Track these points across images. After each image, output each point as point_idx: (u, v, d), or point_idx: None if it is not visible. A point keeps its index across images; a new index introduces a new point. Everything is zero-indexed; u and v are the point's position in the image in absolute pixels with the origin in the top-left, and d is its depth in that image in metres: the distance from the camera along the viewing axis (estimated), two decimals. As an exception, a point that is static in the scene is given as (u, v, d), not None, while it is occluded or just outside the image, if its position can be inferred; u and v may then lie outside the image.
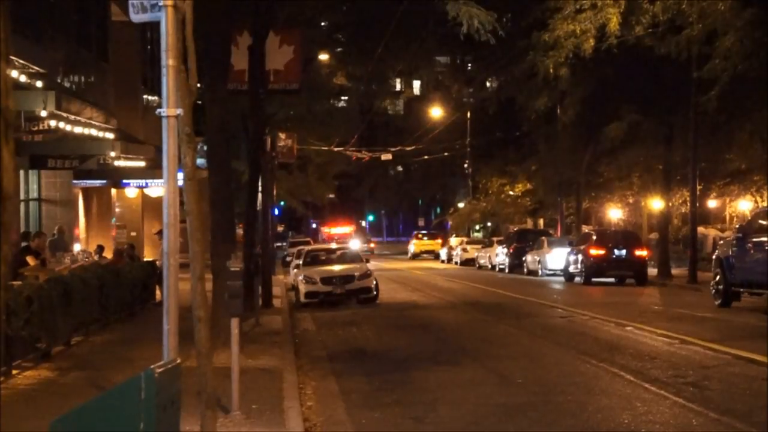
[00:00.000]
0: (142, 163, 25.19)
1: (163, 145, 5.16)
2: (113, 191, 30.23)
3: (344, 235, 73.21)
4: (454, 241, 59.14)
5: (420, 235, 66.38)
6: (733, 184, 30.18)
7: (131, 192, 30.59)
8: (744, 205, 34.11)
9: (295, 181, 48.38)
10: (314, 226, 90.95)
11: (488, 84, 54.61)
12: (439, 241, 63.41)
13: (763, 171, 27.79)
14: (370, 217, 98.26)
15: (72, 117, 18.74)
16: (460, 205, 64.49)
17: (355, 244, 59.91)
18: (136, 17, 5.89)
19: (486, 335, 17.52)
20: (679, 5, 26.29)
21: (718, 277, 21.84)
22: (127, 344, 14.99)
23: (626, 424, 9.33)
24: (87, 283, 15.42)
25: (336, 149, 49.37)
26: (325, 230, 79.01)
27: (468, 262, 51.38)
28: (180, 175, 8.88)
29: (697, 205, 31.98)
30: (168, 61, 5.38)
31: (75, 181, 25.15)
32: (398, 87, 75.14)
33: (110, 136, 21.26)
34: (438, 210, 76.76)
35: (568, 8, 27.67)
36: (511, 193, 54.65)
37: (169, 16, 5.50)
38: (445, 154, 60.41)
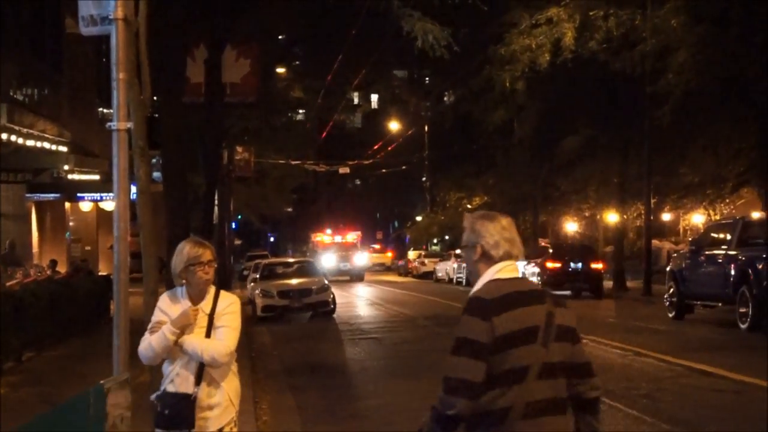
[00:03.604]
0: (96, 177, 24.99)
1: (114, 158, 5.11)
2: (67, 205, 29.93)
3: (348, 245, 55.89)
4: (411, 254, 59.30)
5: (371, 249, 66.96)
6: (686, 198, 30.55)
7: (86, 206, 30.31)
8: (697, 219, 34.54)
9: (252, 194, 48.19)
10: (271, 239, 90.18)
11: (446, 98, 54.88)
12: (390, 254, 63.77)
13: (716, 185, 28.16)
14: (328, 231, 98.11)
15: (25, 130, 18.56)
16: (418, 218, 64.65)
17: (362, 258, 54.89)
18: (86, 30, 5.83)
19: (443, 347, 17.34)
20: (632, 21, 26.69)
21: (671, 290, 22.04)
22: (81, 360, 14.82)
23: (580, 436, 9.38)
24: (39, 297, 15.23)
25: (293, 162, 49.31)
26: (319, 238, 58.88)
27: (426, 275, 51.53)
28: (134, 189, 8.82)
29: (652, 218, 32.28)
30: (119, 74, 5.35)
31: (28, 195, 24.88)
32: (356, 101, 75.25)
33: (64, 149, 21.07)
34: (396, 223, 76.78)
35: (524, 23, 28.01)
36: (468, 206, 54.83)
37: (119, 30, 5.48)
38: (403, 167, 60.57)
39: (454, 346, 3.82)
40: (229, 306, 5.39)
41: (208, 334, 5.29)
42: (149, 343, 5.30)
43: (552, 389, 3.83)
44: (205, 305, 5.36)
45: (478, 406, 3.77)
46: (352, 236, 57.66)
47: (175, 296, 5.42)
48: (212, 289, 5.41)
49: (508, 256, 3.99)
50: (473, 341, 3.77)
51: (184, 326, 5.27)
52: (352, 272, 51.07)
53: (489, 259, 4.00)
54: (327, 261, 50.68)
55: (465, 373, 3.75)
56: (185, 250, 5.38)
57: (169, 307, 5.37)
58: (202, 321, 5.32)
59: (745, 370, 12.94)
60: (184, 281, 5.38)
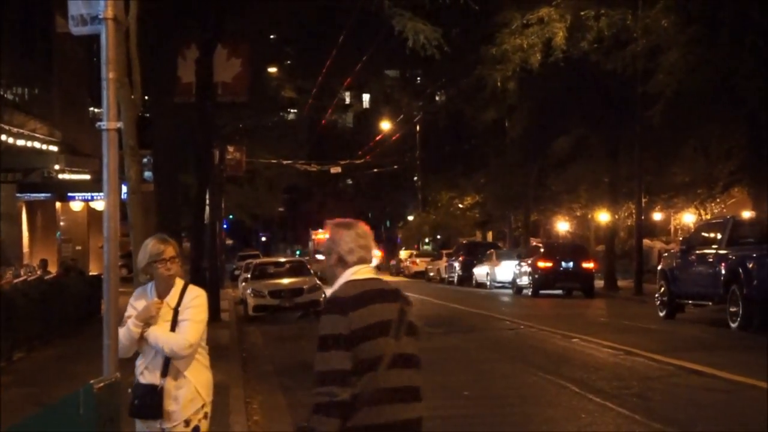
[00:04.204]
0: (87, 176, 24.96)
1: (103, 158, 5.12)
2: (58, 205, 29.88)
3: None
4: (403, 253, 59.37)
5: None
6: (677, 198, 30.68)
7: (76, 205, 30.27)
8: (688, 218, 34.66)
9: (244, 194, 48.17)
10: (263, 239, 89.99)
11: (437, 98, 54.96)
12: (380, 253, 63.75)
13: (706, 184, 28.25)
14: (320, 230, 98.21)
15: (15, 130, 18.54)
16: (410, 218, 64.69)
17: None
18: (76, 30, 5.74)
19: (433, 348, 17.47)
20: (623, 21, 26.77)
21: (662, 289, 22.12)
22: (71, 360, 14.79)
23: (571, 435, 9.43)
24: (30, 298, 15.20)
25: (285, 162, 49.29)
26: (321, 236, 54.07)
27: (417, 275, 51.58)
28: (124, 188, 8.82)
29: (643, 217, 32.37)
30: (108, 74, 5.29)
31: (18, 195, 24.84)
32: (348, 100, 75.24)
33: (54, 149, 21.06)
34: (388, 223, 76.84)
35: (516, 23, 28.06)
36: (460, 206, 54.97)
37: (109, 29, 5.39)
38: (395, 167, 60.62)
39: (320, 344, 4.15)
40: (194, 300, 5.55)
41: (173, 328, 5.48)
42: (119, 337, 5.55)
43: (403, 378, 4.21)
44: (171, 299, 5.55)
45: None
46: None
47: (144, 291, 5.64)
48: (180, 284, 5.60)
49: (362, 261, 4.36)
50: (337, 335, 4.10)
51: (147, 319, 5.47)
52: None
53: (345, 264, 4.35)
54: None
55: (336, 363, 4.08)
56: (148, 246, 5.59)
57: (137, 302, 5.59)
58: (168, 314, 5.51)
59: (736, 369, 12.98)
60: (148, 276, 5.59)
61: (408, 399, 4.22)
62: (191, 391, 5.51)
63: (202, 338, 5.59)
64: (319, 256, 46.73)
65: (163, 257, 5.50)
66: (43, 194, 26.91)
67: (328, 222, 4.52)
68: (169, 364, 5.46)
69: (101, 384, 4.78)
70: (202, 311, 5.54)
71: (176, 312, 5.50)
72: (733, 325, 18.46)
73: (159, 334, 5.45)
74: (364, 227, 4.45)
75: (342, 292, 4.24)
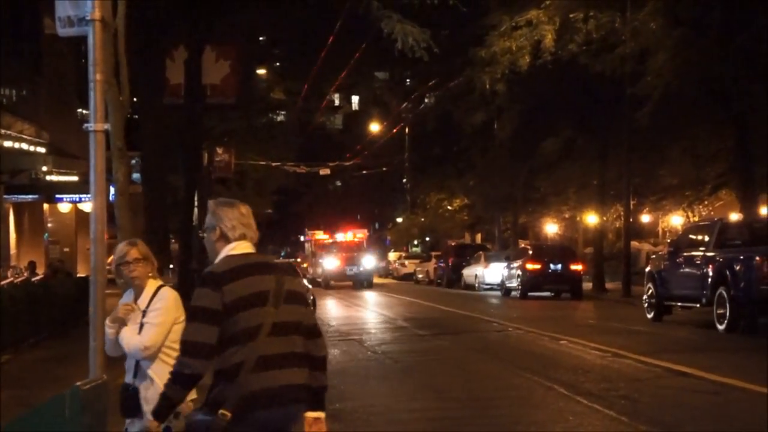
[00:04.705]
0: (75, 178, 24.90)
1: (90, 159, 5.12)
2: (46, 206, 29.80)
3: (353, 245, 46.91)
4: (392, 255, 59.38)
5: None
6: (665, 200, 30.81)
7: (64, 207, 30.21)
8: (676, 220, 34.79)
9: (232, 195, 48.03)
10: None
11: (426, 100, 55.02)
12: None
13: (694, 187, 28.37)
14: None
15: (2, 131, 18.48)
16: (399, 219, 64.72)
17: (370, 261, 46.06)
18: (63, 31, 5.79)
19: (422, 349, 17.55)
20: (612, 24, 26.88)
21: (650, 291, 22.13)
22: (59, 362, 14.75)
23: (558, 437, 9.45)
24: (17, 299, 15.15)
25: (274, 164, 49.25)
26: (318, 237, 50.27)
27: (406, 277, 51.60)
28: (112, 190, 8.80)
29: (631, 220, 32.50)
30: (95, 75, 5.35)
31: (6, 196, 24.77)
32: (337, 102, 75.25)
33: (42, 150, 21.00)
34: (377, 225, 76.87)
35: (505, 25, 28.15)
36: (449, 208, 55.05)
37: (96, 31, 5.43)
38: (384, 169, 60.66)
39: (189, 315, 4.38)
40: (157, 303, 5.62)
41: (141, 330, 5.60)
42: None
43: (284, 345, 4.37)
44: (142, 301, 5.65)
45: (217, 364, 4.28)
46: (358, 235, 49.28)
47: (130, 293, 5.76)
48: (153, 285, 5.67)
49: (243, 238, 4.57)
50: (205, 308, 4.27)
51: (117, 321, 5.59)
52: (360, 277, 43.35)
53: (226, 240, 4.55)
54: (329, 264, 43.89)
55: (199, 336, 4.25)
56: (117, 249, 5.72)
57: (120, 304, 5.74)
58: (137, 317, 5.61)
59: (723, 371, 13.00)
60: (122, 279, 5.71)
61: (289, 365, 4.38)
62: (157, 392, 5.47)
63: (173, 339, 5.59)
64: (322, 261, 44.24)
65: (126, 260, 5.60)
66: (30, 196, 26.85)
67: (211, 202, 4.74)
68: (138, 365, 5.58)
69: (88, 385, 4.81)
70: (163, 314, 5.57)
71: (144, 314, 5.60)
72: (721, 327, 18.47)
73: (123, 335, 5.56)
74: (246, 207, 4.70)
75: (218, 267, 4.42)
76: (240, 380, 4.24)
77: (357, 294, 37.80)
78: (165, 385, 4.37)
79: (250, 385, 4.25)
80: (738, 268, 18.41)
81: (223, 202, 4.77)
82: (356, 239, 47.60)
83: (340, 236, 48.14)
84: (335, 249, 45.49)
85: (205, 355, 4.25)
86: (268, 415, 4.32)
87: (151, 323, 5.54)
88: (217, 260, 4.51)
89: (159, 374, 5.53)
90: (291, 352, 4.40)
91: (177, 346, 5.29)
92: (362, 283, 42.64)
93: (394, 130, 57.89)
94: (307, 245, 52.97)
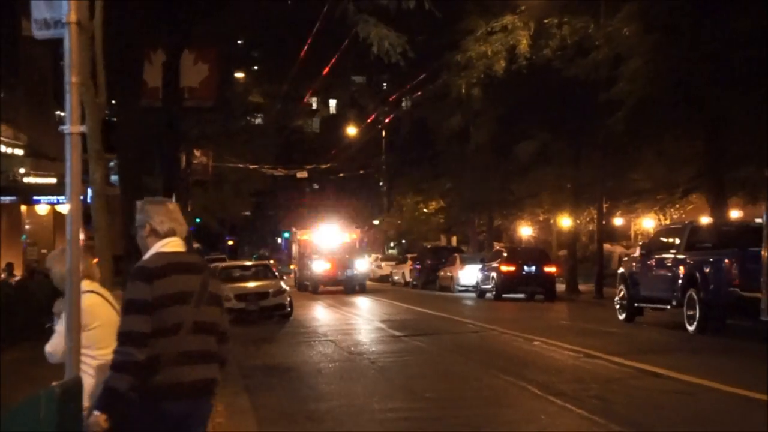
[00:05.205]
0: (53, 180, 24.86)
1: (66, 162, 5.18)
2: (23, 208, 29.72)
3: (345, 247, 41.81)
4: (369, 257, 59.42)
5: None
6: (638, 203, 31.03)
7: (42, 209, 30.12)
8: (648, 223, 35.03)
9: (210, 198, 48.08)
10: (230, 243, 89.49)
11: (403, 103, 55.20)
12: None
13: (666, 190, 28.62)
14: (286, 234, 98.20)
15: (-21, 133, 18.45)
16: (376, 222, 64.85)
17: (363, 264, 42.84)
18: (39, 34, 5.72)
19: (398, 350, 17.65)
20: (586, 29, 27.13)
21: (622, 293, 22.32)
22: (35, 363, 14.65)
23: (531, 436, 9.54)
24: (-5, 301, 15.18)
25: (252, 166, 49.22)
26: (306, 237, 44.39)
27: (382, 279, 51.74)
28: (90, 192, 8.84)
29: (604, 222, 32.71)
30: (71, 77, 5.30)
31: (-17, 199, 24.68)
32: (314, 105, 75.31)
33: (20, 152, 20.97)
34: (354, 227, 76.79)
35: (480, 30, 28.39)
36: (425, 210, 55.20)
37: (72, 34, 5.38)
38: (361, 172, 60.76)
39: (124, 308, 4.61)
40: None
41: None
42: None
43: (202, 343, 4.72)
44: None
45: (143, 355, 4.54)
46: (350, 235, 43.64)
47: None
48: (82, 288, 5.73)
49: (172, 233, 4.84)
50: (138, 300, 4.56)
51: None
52: (353, 281, 39.79)
53: (156, 235, 4.83)
54: (319, 267, 40.07)
55: (135, 326, 4.53)
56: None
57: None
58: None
59: (693, 371, 13.13)
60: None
61: (204, 361, 4.73)
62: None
63: (84, 345, 5.61)
64: (312, 264, 40.64)
65: None
66: (8, 197, 26.77)
67: (139, 201, 5.00)
68: None
69: (63, 386, 4.78)
70: (66, 320, 5.60)
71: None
72: (691, 328, 18.68)
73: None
74: (174, 204, 5.00)
75: (150, 262, 4.71)
76: (162, 373, 4.56)
77: (334, 295, 37.65)
78: (108, 377, 4.56)
79: (169, 377, 4.58)
80: (707, 270, 18.61)
81: (151, 200, 5.06)
82: (348, 240, 42.47)
83: (331, 237, 42.57)
84: (325, 251, 40.75)
85: (142, 343, 4.51)
86: (180, 405, 4.65)
87: (57, 330, 5.68)
88: (147, 255, 4.79)
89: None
90: (207, 350, 4.75)
91: (89, 352, 5.57)
92: (354, 287, 39.47)
93: (371, 134, 58.03)
94: (294, 246, 48.31)
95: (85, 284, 5.72)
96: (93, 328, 5.68)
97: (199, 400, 4.79)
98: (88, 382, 5.66)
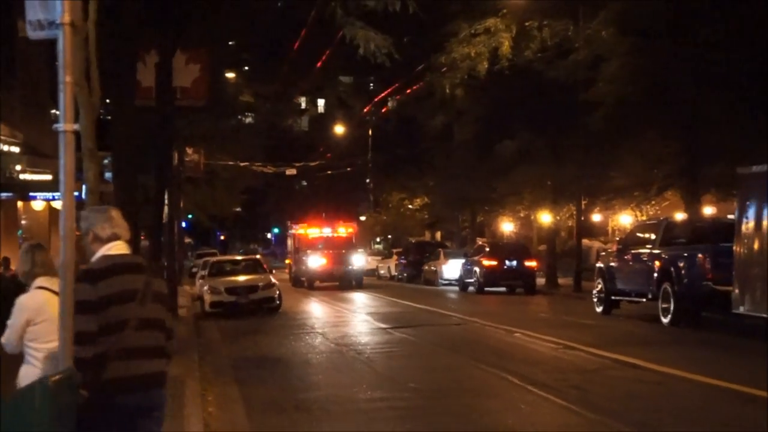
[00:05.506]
0: (48, 177, 25.13)
1: (60, 159, 5.26)
2: (20, 204, 30.02)
3: (341, 241, 40.26)
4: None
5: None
6: (615, 200, 31.43)
7: (38, 205, 30.40)
8: (625, 219, 35.40)
9: (202, 194, 48.29)
10: (222, 238, 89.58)
11: (389, 103, 55.58)
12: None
13: (643, 187, 29.13)
14: (276, 230, 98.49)
15: (-24, 132, 18.70)
16: (362, 218, 65.27)
17: (360, 259, 41.24)
18: (34, 35, 5.65)
19: (383, 342, 17.95)
20: (566, 32, 27.60)
21: (600, 287, 22.71)
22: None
23: (511, 425, 9.78)
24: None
25: (242, 164, 49.45)
26: (302, 232, 42.10)
27: (368, 273, 52.21)
28: (84, 188, 9.06)
29: (583, 219, 32.97)
30: (65, 77, 5.33)
31: (-20, 195, 24.96)
32: (303, 105, 75.66)
33: (16, 150, 21.26)
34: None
35: (464, 32, 28.83)
36: (410, 207, 55.64)
37: (66, 35, 5.39)
38: (348, 169, 61.17)
39: (75, 309, 4.88)
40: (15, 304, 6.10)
41: None
42: None
43: (148, 339, 5.05)
44: None
45: (85, 351, 4.85)
46: (347, 230, 41.61)
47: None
48: (37, 283, 6.08)
49: (115, 238, 5.16)
50: (85, 301, 4.86)
51: None
52: (349, 276, 38.83)
53: (100, 241, 5.15)
54: (314, 262, 38.87)
55: (83, 326, 4.83)
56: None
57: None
58: None
59: (667, 362, 13.45)
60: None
61: (151, 356, 5.07)
62: (18, 383, 5.98)
63: (29, 339, 5.94)
64: (307, 259, 39.38)
65: None
66: (5, 194, 27.07)
67: (82, 211, 5.35)
68: None
69: (56, 378, 4.81)
70: (12, 316, 6.01)
71: None
72: (665, 321, 19.09)
73: None
74: (116, 210, 5.33)
75: (95, 265, 5.07)
76: (108, 368, 4.89)
77: (323, 289, 37.45)
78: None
79: (118, 371, 4.90)
80: (682, 264, 19.05)
81: (94, 209, 5.39)
82: (343, 235, 40.87)
83: (327, 231, 41.18)
84: (321, 246, 39.63)
85: (89, 341, 4.83)
86: (132, 398, 4.98)
87: (7, 323, 6.03)
88: (94, 258, 5.11)
89: (24, 374, 5.98)
90: (154, 345, 5.09)
91: (34, 345, 5.95)
92: (351, 282, 38.50)
93: (358, 132, 58.32)
94: (289, 241, 47.25)
95: (39, 280, 5.97)
96: (38, 323, 5.90)
97: (150, 392, 5.07)
98: (35, 372, 5.85)
